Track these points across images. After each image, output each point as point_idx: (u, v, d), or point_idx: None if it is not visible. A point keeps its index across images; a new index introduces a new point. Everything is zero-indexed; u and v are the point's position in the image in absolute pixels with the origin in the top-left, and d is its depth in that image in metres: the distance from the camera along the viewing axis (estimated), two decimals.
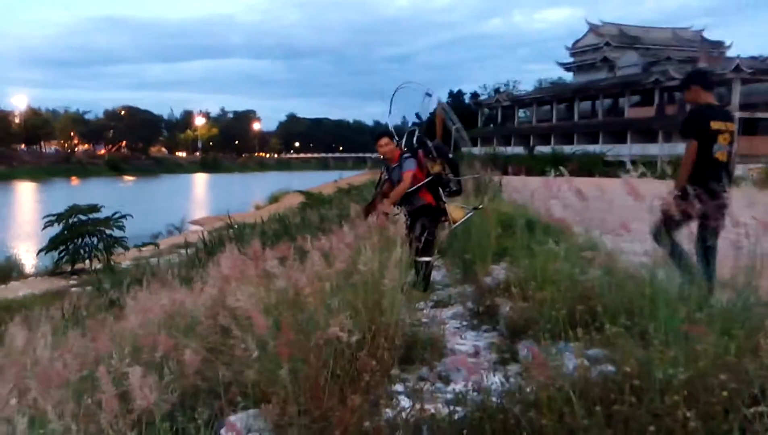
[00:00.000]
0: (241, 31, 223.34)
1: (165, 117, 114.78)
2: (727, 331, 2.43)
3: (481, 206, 5.53)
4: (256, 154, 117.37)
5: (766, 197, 3.13)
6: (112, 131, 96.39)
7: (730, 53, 42.77)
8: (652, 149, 35.67)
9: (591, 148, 39.50)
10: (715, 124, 3.93)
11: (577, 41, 49.82)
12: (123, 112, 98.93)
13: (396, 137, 5.22)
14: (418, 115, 6.02)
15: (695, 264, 3.52)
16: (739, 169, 24.30)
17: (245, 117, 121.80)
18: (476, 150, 42.05)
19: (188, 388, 2.63)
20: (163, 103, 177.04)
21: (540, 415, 2.05)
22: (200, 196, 51.21)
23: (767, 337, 2.20)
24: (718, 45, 45.62)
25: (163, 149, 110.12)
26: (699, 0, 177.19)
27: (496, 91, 61.07)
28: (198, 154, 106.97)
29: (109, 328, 3.79)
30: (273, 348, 2.45)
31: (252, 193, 42.12)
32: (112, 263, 14.60)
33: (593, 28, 48.05)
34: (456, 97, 65.29)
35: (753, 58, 36.93)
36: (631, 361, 2.18)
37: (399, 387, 2.91)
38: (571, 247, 3.93)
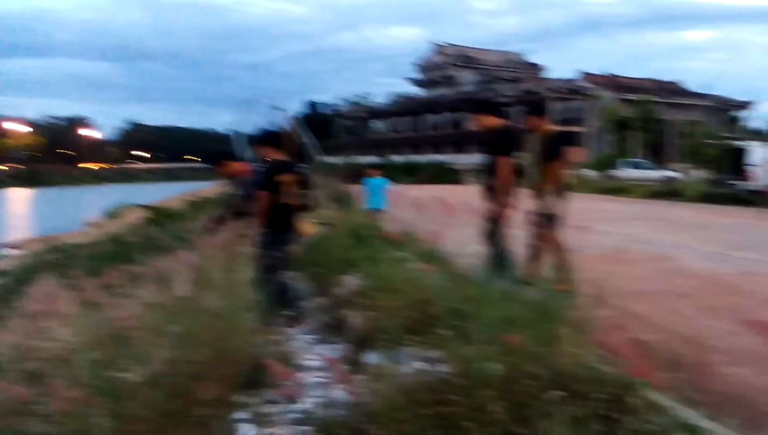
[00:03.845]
0: (70, 29, 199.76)
1: None
2: (538, 323, 2.68)
3: (328, 224, 5.62)
4: (92, 164, 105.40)
5: (578, 198, 3.61)
6: None
7: (546, 75, 49.78)
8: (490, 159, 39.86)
9: (439, 157, 42.39)
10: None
11: (424, 59, 53.79)
12: None
13: (240, 153, 5.09)
14: (269, 127, 5.94)
15: (513, 264, 3.96)
16: None
17: (78, 124, 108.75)
18: (334, 160, 42.91)
19: None
20: None
21: (378, 426, 2.10)
22: (20, 214, 44.32)
23: (567, 327, 2.50)
24: (538, 67, 52.62)
25: None
26: (521, 27, 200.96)
27: (352, 102, 62.61)
28: (17, 165, 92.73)
29: None
30: (88, 392, 2.21)
31: (87, 209, 37.60)
32: None
33: (437, 48, 52.40)
34: (313, 107, 65.62)
35: (566, 79, 42.92)
36: (457, 361, 2.34)
37: (243, 414, 2.76)
38: (414, 255, 4.14)
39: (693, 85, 43.63)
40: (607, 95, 36.75)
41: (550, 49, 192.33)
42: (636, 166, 27.91)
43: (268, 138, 4.75)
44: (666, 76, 46.57)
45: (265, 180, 4.54)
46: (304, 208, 5.14)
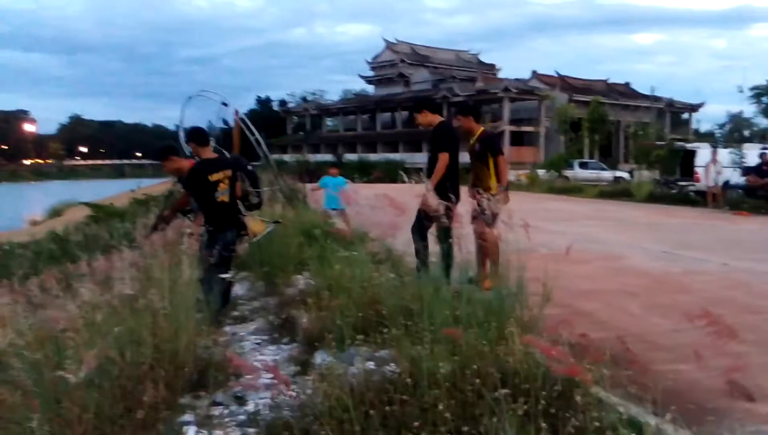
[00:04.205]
0: (6, 19, 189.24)
1: None
2: (486, 322, 2.73)
3: (279, 221, 5.52)
4: (31, 160, 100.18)
5: (531, 198, 3.68)
6: None
7: (500, 75, 50.09)
8: None
9: (392, 156, 42.49)
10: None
11: (376, 57, 53.08)
12: None
13: (186, 149, 4.94)
14: (225, 123, 5.79)
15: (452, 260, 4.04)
16: (511, 175, 28.70)
17: (14, 118, 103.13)
18: (286, 157, 41.99)
19: None
20: None
21: (323, 426, 2.08)
22: None
23: (514, 325, 2.53)
24: (491, 67, 53.06)
25: None
26: (473, 26, 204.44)
27: (304, 99, 61.76)
28: None
29: None
30: (22, 396, 2.10)
31: (27, 206, 35.73)
32: None
33: (389, 46, 51.80)
34: (264, 103, 64.57)
35: (517, 80, 43.48)
36: (405, 361, 2.34)
37: (188, 416, 2.70)
38: (364, 254, 4.13)
39: (642, 87, 44.96)
40: (559, 96, 37.42)
41: (502, 48, 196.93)
42: (587, 167, 28.76)
43: (195, 135, 4.56)
44: (617, 78, 47.96)
45: (194, 178, 4.39)
46: (252, 206, 5.04)
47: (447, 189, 4.24)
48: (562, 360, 2.04)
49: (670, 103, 42.90)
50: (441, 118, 4.98)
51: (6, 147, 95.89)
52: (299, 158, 39.16)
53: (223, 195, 4.39)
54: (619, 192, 19.38)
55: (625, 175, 26.77)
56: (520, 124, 40.13)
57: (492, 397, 2.10)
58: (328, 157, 47.12)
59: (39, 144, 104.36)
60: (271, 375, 3.08)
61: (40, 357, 2.39)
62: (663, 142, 22.52)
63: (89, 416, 2.24)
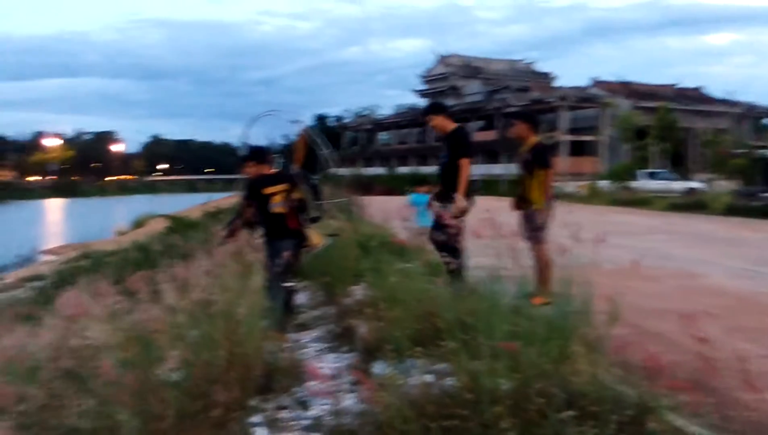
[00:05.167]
0: (98, 50, 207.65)
1: (13, 138, 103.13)
2: (548, 339, 2.62)
3: (336, 235, 5.74)
4: (118, 176, 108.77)
5: (592, 210, 3.54)
6: None
7: (556, 84, 48.34)
8: (496, 169, 39.11)
9: None
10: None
11: (428, 70, 53.14)
12: None
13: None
14: (282, 140, 6.12)
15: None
16: (569, 186, 27.65)
17: (105, 138, 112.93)
18: (341, 171, 42.58)
19: None
20: (11, 124, 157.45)
21: None
22: (54, 223, 45.82)
23: (579, 344, 2.45)
24: (546, 76, 51.41)
25: (11, 173, 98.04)
26: (528, 35, 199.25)
27: (358, 115, 62.86)
28: (52, 177, 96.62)
29: None
30: (115, 390, 2.36)
31: (114, 218, 38.74)
32: None
33: (441, 59, 51.70)
34: (320, 120, 66.52)
35: (575, 88, 41.87)
36: (464, 375, 2.32)
37: (257, 418, 2.85)
38: (420, 266, 4.21)
39: (717, 91, 42.54)
40: (622, 103, 35.63)
41: (558, 56, 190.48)
42: (656, 177, 26.83)
43: (253, 154, 4.90)
44: (687, 83, 44.62)
45: (249, 191, 4.77)
46: (313, 219, 5.29)
47: (452, 198, 4.29)
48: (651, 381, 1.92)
49: (750, 108, 39.64)
50: (456, 125, 4.88)
51: (97, 164, 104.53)
52: (354, 172, 39.79)
53: (277, 207, 4.65)
54: (692, 204, 18.08)
55: (699, 185, 24.88)
56: (578, 134, 38.51)
57: (557, 418, 2.03)
58: (381, 170, 47.64)
59: (125, 162, 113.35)
60: (332, 382, 3.24)
61: (131, 355, 2.67)
62: (743, 150, 20.96)
63: (171, 412, 2.43)
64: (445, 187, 4.66)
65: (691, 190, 23.84)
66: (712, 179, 23.65)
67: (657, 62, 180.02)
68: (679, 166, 34.50)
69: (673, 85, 43.03)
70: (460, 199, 4.42)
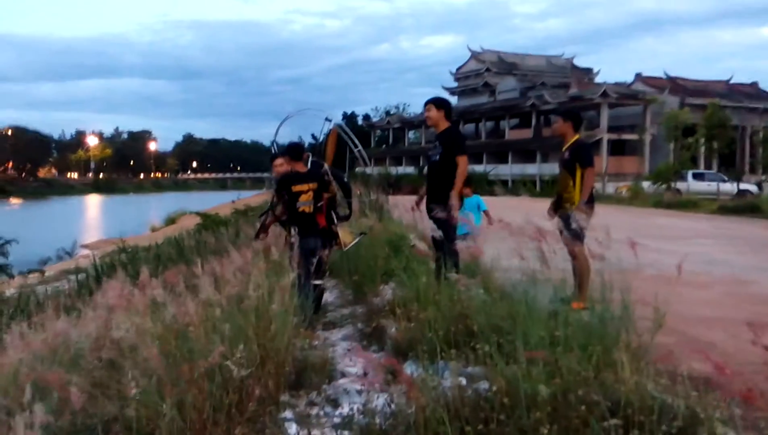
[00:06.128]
0: (135, 51, 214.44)
1: (56, 137, 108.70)
2: (586, 346, 2.55)
3: (364, 233, 5.73)
4: (152, 174, 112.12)
5: (634, 212, 3.38)
6: None
7: (597, 79, 45.95)
8: (530, 169, 38.13)
9: (476, 167, 41.46)
10: None
11: (460, 67, 51.53)
12: (9, 132, 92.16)
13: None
14: (314, 137, 6.15)
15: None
16: (610, 187, 26.81)
17: (140, 137, 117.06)
18: (369, 169, 42.06)
19: (70, 426, 2.51)
20: (54, 124, 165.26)
21: None
22: (93, 218, 47.68)
23: (622, 351, 2.34)
24: (587, 72, 49.05)
25: (54, 171, 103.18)
26: (567, 29, 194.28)
27: (387, 113, 62.64)
28: (91, 175, 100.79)
29: None
30: (156, 381, 2.42)
31: (148, 214, 39.96)
32: None
33: (474, 55, 49.96)
34: (349, 118, 66.73)
35: (618, 84, 40.00)
36: (500, 380, 2.28)
37: (288, 413, 2.88)
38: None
39: None
40: (669, 99, 33.77)
41: (600, 51, 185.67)
42: (704, 178, 25.74)
43: (289, 150, 4.91)
44: (741, 78, 42.29)
45: (279, 187, 4.81)
46: (342, 217, 5.29)
47: (448, 196, 4.22)
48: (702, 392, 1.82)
49: None
50: (449, 124, 4.76)
51: (133, 163, 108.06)
52: (382, 171, 39.56)
53: (304, 205, 4.70)
54: (743, 207, 17.08)
55: (753, 187, 23.82)
56: (620, 132, 36.88)
57: (600, 426, 1.98)
58: (410, 169, 47.33)
59: (159, 160, 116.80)
60: (362, 380, 3.24)
61: (171, 348, 2.72)
62: None
63: (209, 404, 2.47)
64: (437, 187, 4.56)
65: (743, 193, 22.81)
66: (766, 181, 22.47)
67: (709, 56, 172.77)
68: (730, 166, 32.96)
69: (725, 80, 40.67)
70: (454, 198, 4.39)
